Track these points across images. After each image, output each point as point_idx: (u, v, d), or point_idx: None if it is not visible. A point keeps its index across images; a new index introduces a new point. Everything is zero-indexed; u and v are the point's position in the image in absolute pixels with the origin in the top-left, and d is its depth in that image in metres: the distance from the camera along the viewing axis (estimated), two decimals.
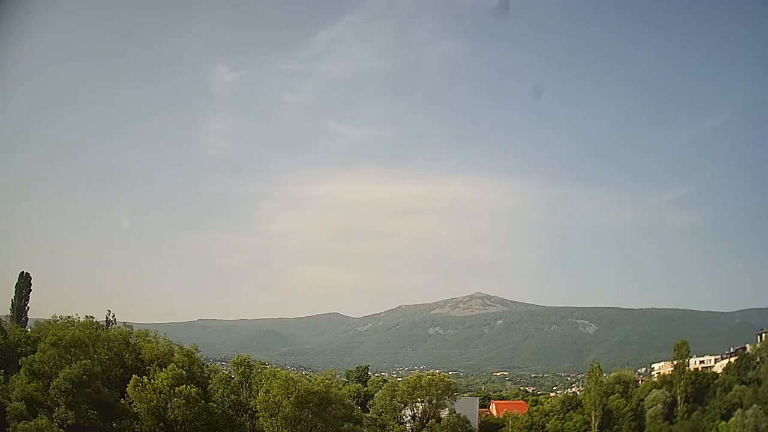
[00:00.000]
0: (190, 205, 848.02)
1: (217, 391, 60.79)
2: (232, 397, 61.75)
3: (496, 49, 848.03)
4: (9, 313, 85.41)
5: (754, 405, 70.99)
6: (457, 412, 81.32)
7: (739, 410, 72.25)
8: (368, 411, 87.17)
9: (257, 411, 58.12)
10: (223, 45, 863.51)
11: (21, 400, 47.67)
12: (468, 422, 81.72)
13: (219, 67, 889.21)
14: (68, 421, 46.70)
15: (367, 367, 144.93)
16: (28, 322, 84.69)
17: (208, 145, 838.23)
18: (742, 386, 79.65)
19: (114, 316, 72.32)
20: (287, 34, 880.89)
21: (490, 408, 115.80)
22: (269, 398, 55.81)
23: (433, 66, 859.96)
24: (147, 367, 56.37)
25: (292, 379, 59.01)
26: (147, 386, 50.72)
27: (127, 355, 59.46)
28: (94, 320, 61.21)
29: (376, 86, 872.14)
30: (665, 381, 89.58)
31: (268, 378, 59.41)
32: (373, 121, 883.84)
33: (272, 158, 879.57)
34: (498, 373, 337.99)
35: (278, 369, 73.98)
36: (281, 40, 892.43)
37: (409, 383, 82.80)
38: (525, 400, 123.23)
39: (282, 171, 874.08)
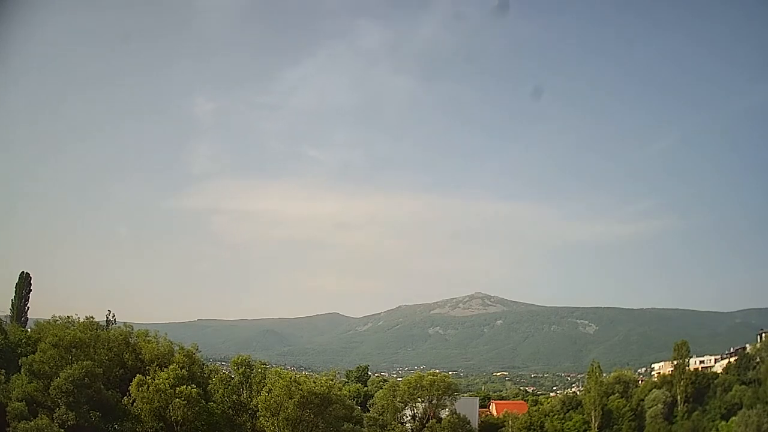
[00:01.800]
0: (184, 209, 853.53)
1: (218, 392, 60.67)
2: (233, 397, 61.67)
3: (448, 80, 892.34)
4: (9, 313, 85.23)
5: (758, 405, 70.78)
6: (458, 412, 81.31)
7: (742, 410, 72.13)
8: (368, 411, 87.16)
9: (258, 411, 58.13)
10: (202, 80, 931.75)
11: (21, 400, 47.70)
12: (468, 422, 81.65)
13: (199, 97, 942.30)
14: (69, 422, 46.66)
15: (367, 367, 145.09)
16: (28, 322, 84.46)
17: (193, 163, 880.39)
18: (742, 386, 79.50)
19: (114, 316, 71.97)
20: (258, 73, 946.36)
21: (490, 408, 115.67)
22: (271, 398, 55.81)
23: (393, 98, 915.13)
24: (147, 368, 56.36)
25: (296, 381, 58.92)
26: (150, 386, 50.73)
27: (127, 356, 59.31)
28: (94, 320, 60.96)
29: (342, 116, 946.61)
30: (665, 381, 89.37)
31: (273, 378, 59.41)
32: (344, 147, 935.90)
33: (250, 176, 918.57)
34: (498, 373, 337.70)
35: (282, 369, 73.66)
36: (253, 78, 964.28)
37: (410, 383, 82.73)
38: (525, 400, 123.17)
39: (261, 188, 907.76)
